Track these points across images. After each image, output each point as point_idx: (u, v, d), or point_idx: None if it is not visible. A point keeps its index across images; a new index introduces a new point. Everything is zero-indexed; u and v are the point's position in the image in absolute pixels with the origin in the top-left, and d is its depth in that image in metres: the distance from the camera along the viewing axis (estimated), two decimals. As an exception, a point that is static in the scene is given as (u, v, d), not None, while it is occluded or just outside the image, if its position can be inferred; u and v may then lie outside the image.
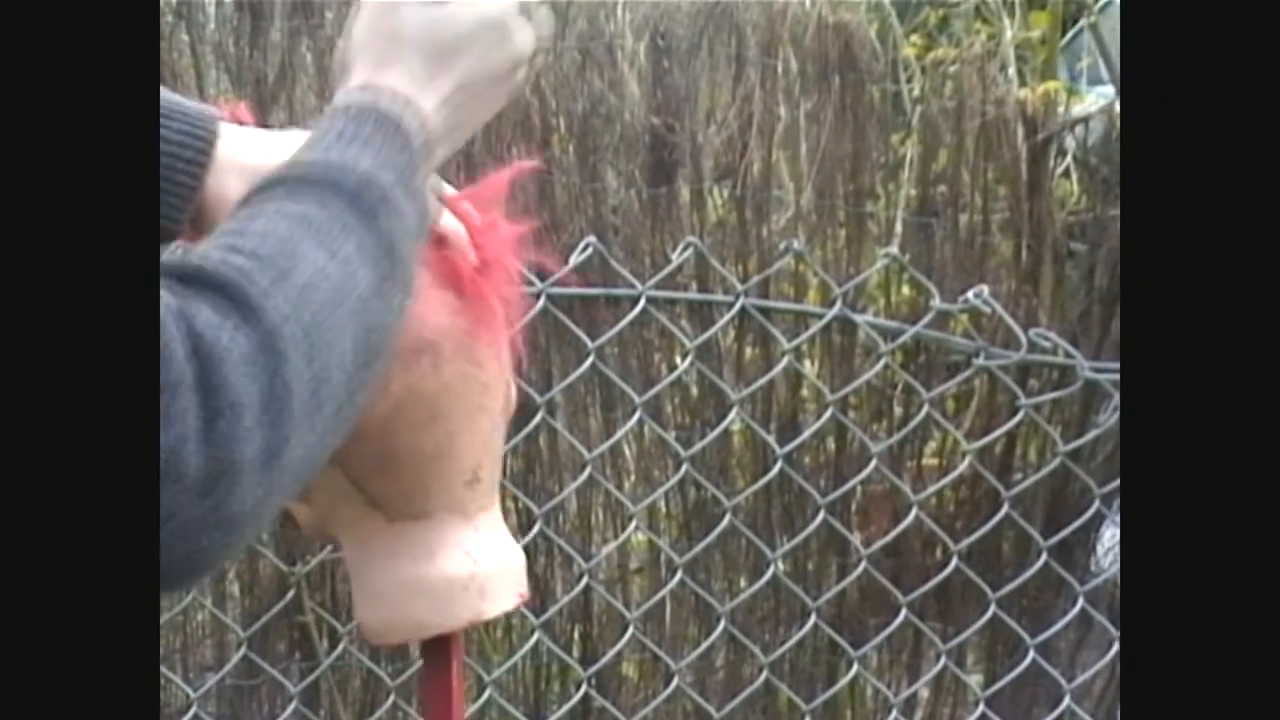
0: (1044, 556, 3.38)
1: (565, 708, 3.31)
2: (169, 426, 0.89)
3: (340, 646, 3.26)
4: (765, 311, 3.39)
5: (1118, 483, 3.33)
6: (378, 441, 1.21)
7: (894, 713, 3.51)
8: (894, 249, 3.48)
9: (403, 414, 1.20)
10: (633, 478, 3.60)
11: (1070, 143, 3.79)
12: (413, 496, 1.24)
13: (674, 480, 3.43)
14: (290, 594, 3.20)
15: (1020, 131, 3.63)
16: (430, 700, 1.31)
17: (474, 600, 1.26)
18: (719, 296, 3.40)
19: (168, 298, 0.91)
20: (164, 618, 3.21)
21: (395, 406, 1.20)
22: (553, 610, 3.37)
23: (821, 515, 3.33)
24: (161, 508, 0.90)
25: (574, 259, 3.11)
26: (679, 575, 3.32)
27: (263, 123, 1.28)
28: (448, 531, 1.26)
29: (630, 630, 3.33)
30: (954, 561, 3.36)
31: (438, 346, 1.20)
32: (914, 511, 3.33)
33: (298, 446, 0.96)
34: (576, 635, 3.55)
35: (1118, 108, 3.64)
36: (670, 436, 3.43)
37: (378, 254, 1.03)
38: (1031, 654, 3.38)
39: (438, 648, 1.30)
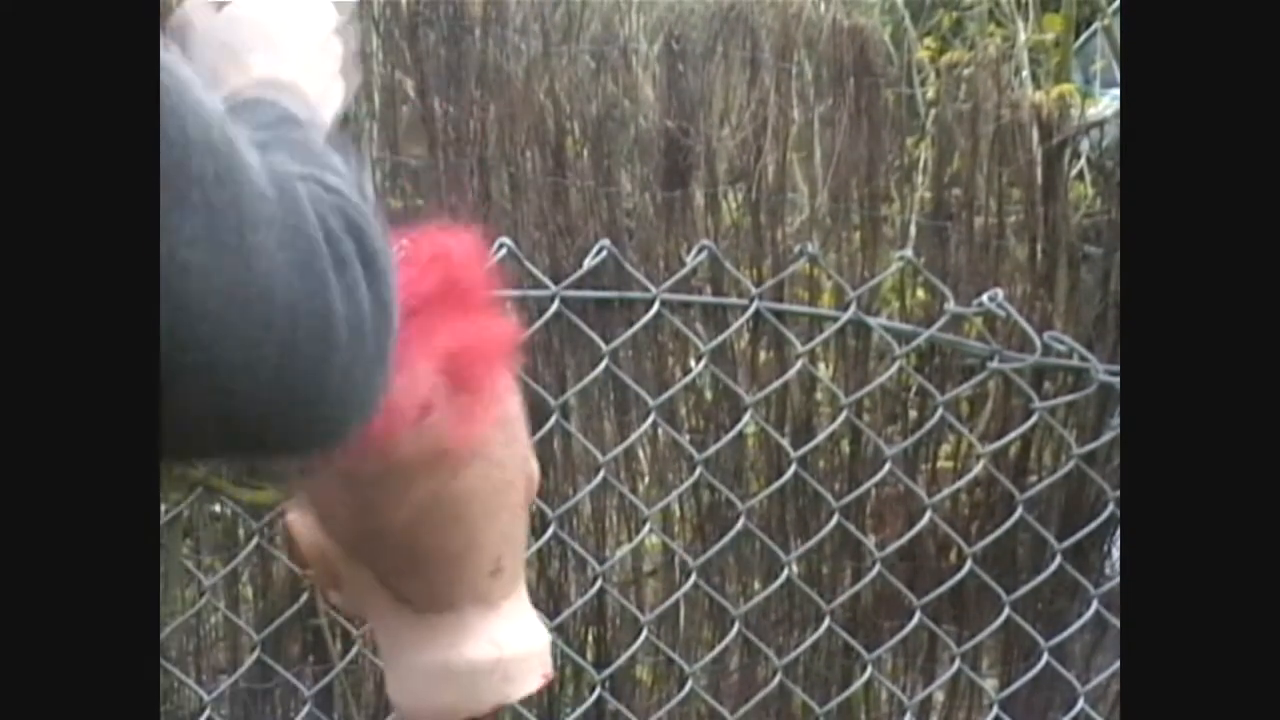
0: (1059, 560, 3.38)
1: (579, 710, 3.31)
2: (351, 293, 0.99)
3: (354, 649, 3.27)
4: (779, 315, 3.39)
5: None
6: (403, 543, 1.25)
7: (908, 716, 3.51)
8: (908, 252, 3.48)
9: (426, 518, 1.24)
10: (646, 481, 3.60)
11: (1085, 146, 3.79)
12: (438, 592, 1.28)
13: (688, 483, 3.43)
14: (304, 597, 3.20)
15: (1035, 135, 3.63)
16: None
17: (499, 685, 1.30)
18: (733, 300, 3.40)
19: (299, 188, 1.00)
20: (177, 620, 3.21)
21: (418, 511, 1.23)
22: (566, 613, 3.37)
23: (836, 518, 3.33)
24: (351, 362, 1.00)
25: (588, 262, 3.11)
26: (693, 578, 3.32)
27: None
28: (473, 621, 1.29)
29: (644, 633, 3.33)
30: (968, 564, 3.36)
31: (457, 453, 1.23)
32: (928, 514, 3.33)
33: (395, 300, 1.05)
34: (590, 638, 3.55)
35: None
36: (684, 439, 3.43)
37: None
38: (1046, 657, 3.38)
39: None
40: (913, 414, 3.66)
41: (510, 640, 1.30)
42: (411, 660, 1.30)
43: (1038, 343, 3.24)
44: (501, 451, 1.27)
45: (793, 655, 3.43)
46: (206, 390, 0.96)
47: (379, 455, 1.19)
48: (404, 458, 1.21)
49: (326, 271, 0.98)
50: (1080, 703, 3.40)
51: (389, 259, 1.04)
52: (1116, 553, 3.70)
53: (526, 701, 3.45)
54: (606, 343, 3.15)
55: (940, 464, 3.70)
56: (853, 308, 3.29)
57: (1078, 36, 4.52)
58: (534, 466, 1.34)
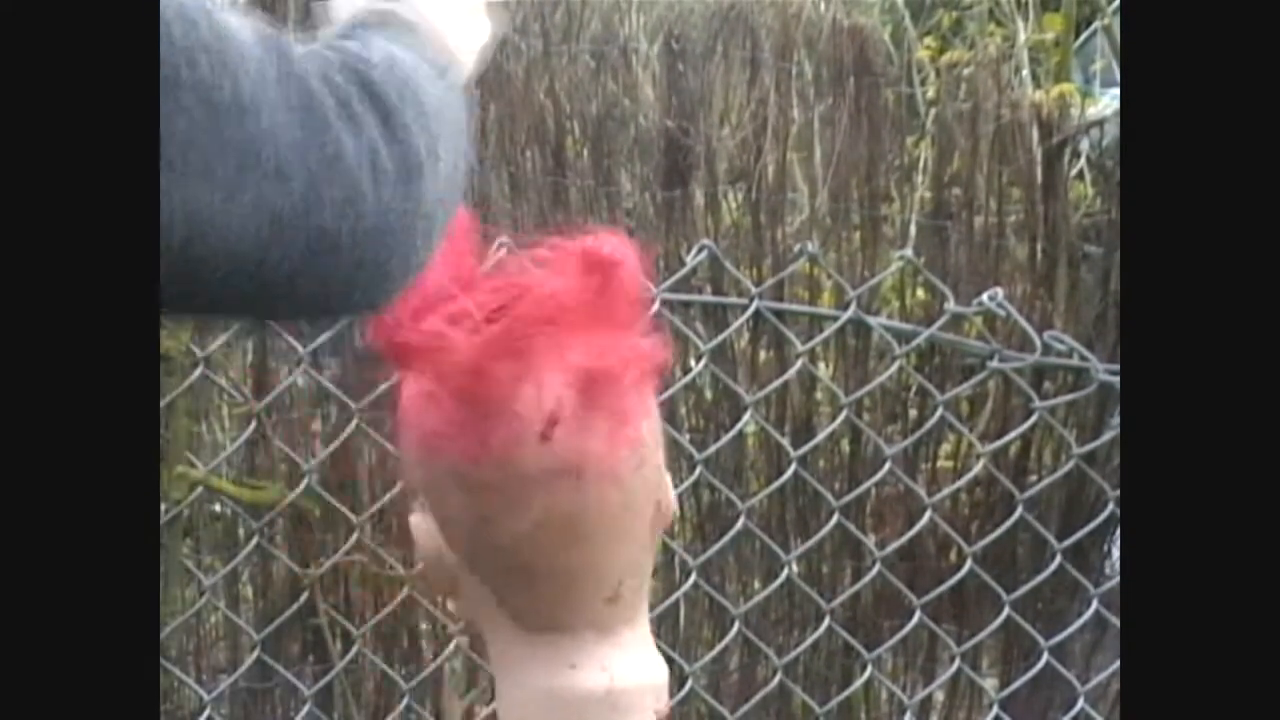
0: (1058, 559, 3.37)
1: (579, 710, 3.30)
2: (359, 132, 1.02)
3: (354, 649, 3.26)
4: (779, 314, 3.39)
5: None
6: (516, 558, 1.22)
7: (908, 715, 3.51)
8: (908, 252, 3.48)
9: (542, 533, 1.20)
10: (647, 480, 3.59)
11: (1085, 145, 3.79)
12: (552, 612, 1.25)
13: (688, 483, 3.43)
14: (304, 596, 3.20)
15: (1035, 134, 3.63)
16: None
17: (607, 714, 1.26)
18: (733, 299, 3.40)
19: (296, 49, 1.04)
20: (177, 620, 3.21)
21: (534, 525, 1.20)
22: (567, 613, 3.37)
23: (836, 518, 3.32)
24: (379, 205, 1.02)
25: (588, 262, 3.11)
26: (693, 577, 3.31)
27: None
28: (586, 646, 1.26)
29: (644, 633, 3.32)
30: (968, 564, 3.35)
31: (579, 468, 1.19)
32: (928, 514, 3.32)
33: (444, 156, 1.08)
34: (591, 637, 3.55)
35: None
36: (684, 439, 3.42)
37: (424, 56, 1.14)
38: (1046, 657, 3.38)
39: None
40: (913, 413, 3.66)
41: (624, 670, 1.27)
42: (520, 681, 1.26)
43: (1038, 342, 3.24)
44: (629, 475, 1.22)
45: (793, 655, 3.43)
46: (233, 256, 0.98)
47: (499, 464, 1.18)
48: (525, 470, 1.18)
49: (328, 115, 1.01)
50: (1080, 702, 3.40)
51: (416, 121, 1.05)
52: (1116, 552, 3.69)
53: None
54: (606, 342, 3.14)
55: (940, 464, 3.70)
56: (853, 307, 3.29)
57: (1078, 36, 4.53)
58: (669, 495, 1.30)
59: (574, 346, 1.19)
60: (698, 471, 3.34)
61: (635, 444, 1.23)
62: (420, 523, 1.25)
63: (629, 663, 1.28)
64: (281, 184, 0.98)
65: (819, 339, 3.43)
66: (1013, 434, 3.49)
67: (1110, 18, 4.40)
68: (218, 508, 3.46)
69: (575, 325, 1.19)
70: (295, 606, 3.20)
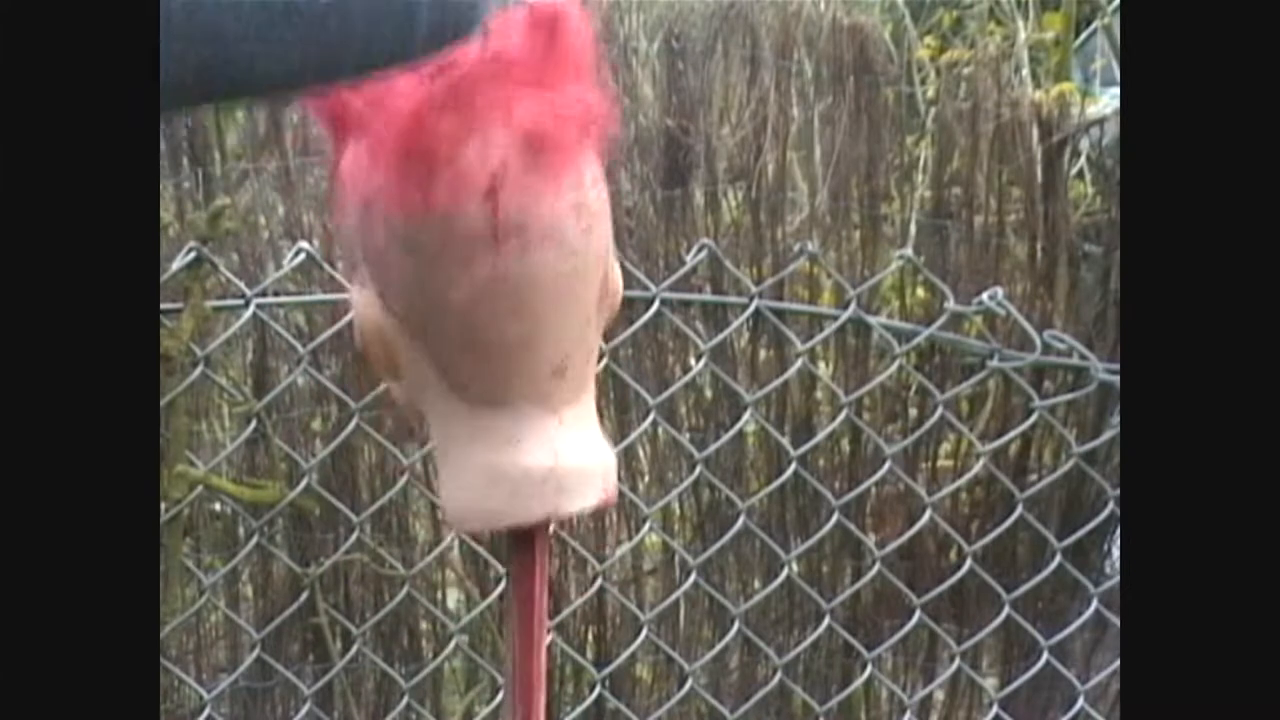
0: (1058, 558, 3.38)
1: (579, 709, 3.31)
2: None
3: (354, 648, 3.27)
4: (779, 313, 3.39)
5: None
6: (460, 326, 1.18)
7: (908, 715, 3.51)
8: (908, 251, 3.48)
9: (486, 300, 1.17)
10: (647, 479, 3.60)
11: (1085, 144, 3.79)
12: (495, 384, 1.21)
13: (688, 482, 3.43)
14: (304, 596, 3.20)
15: (1035, 133, 3.63)
16: (516, 599, 1.27)
17: (551, 495, 1.22)
18: (733, 298, 3.40)
19: None
20: (177, 619, 3.21)
21: (478, 291, 1.16)
22: (566, 612, 3.37)
23: (835, 517, 3.33)
24: None
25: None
26: (693, 577, 3.32)
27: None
28: (529, 422, 1.21)
29: (644, 632, 3.32)
30: (968, 563, 3.35)
31: (525, 230, 1.16)
32: (928, 513, 3.33)
33: None
34: (590, 637, 3.55)
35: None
36: (684, 438, 3.43)
37: None
38: (1046, 656, 3.38)
39: (523, 544, 1.26)
40: (913, 413, 3.66)
41: (568, 450, 1.22)
42: (461, 458, 1.22)
43: (1037, 341, 3.24)
44: (576, 239, 1.18)
45: (793, 654, 3.43)
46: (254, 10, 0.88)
47: (442, 222, 1.14)
48: (467, 230, 1.14)
49: None
50: (1080, 701, 3.40)
51: None
52: (1116, 551, 3.69)
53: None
54: (606, 341, 3.14)
55: (940, 463, 3.70)
56: (852, 306, 3.29)
57: (1078, 35, 4.52)
58: (616, 274, 1.25)
59: (520, 104, 1.15)
60: (697, 470, 3.34)
61: (581, 205, 1.20)
62: (361, 297, 1.21)
63: (574, 443, 1.23)
64: None
65: (819, 338, 3.43)
66: (1013, 433, 3.49)
67: (1110, 17, 4.40)
68: (218, 507, 3.46)
69: (521, 82, 1.15)
70: (295, 606, 3.20)
